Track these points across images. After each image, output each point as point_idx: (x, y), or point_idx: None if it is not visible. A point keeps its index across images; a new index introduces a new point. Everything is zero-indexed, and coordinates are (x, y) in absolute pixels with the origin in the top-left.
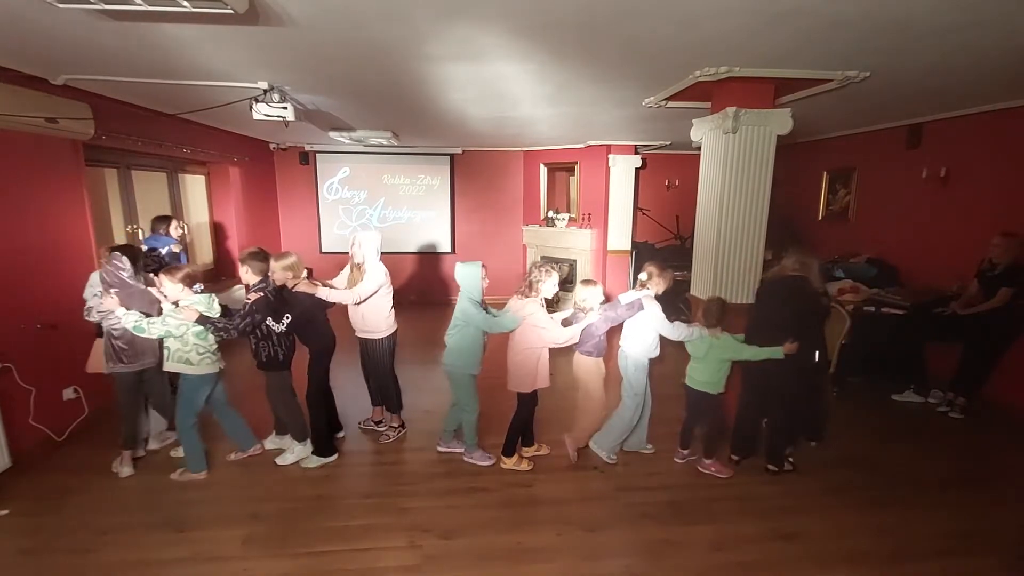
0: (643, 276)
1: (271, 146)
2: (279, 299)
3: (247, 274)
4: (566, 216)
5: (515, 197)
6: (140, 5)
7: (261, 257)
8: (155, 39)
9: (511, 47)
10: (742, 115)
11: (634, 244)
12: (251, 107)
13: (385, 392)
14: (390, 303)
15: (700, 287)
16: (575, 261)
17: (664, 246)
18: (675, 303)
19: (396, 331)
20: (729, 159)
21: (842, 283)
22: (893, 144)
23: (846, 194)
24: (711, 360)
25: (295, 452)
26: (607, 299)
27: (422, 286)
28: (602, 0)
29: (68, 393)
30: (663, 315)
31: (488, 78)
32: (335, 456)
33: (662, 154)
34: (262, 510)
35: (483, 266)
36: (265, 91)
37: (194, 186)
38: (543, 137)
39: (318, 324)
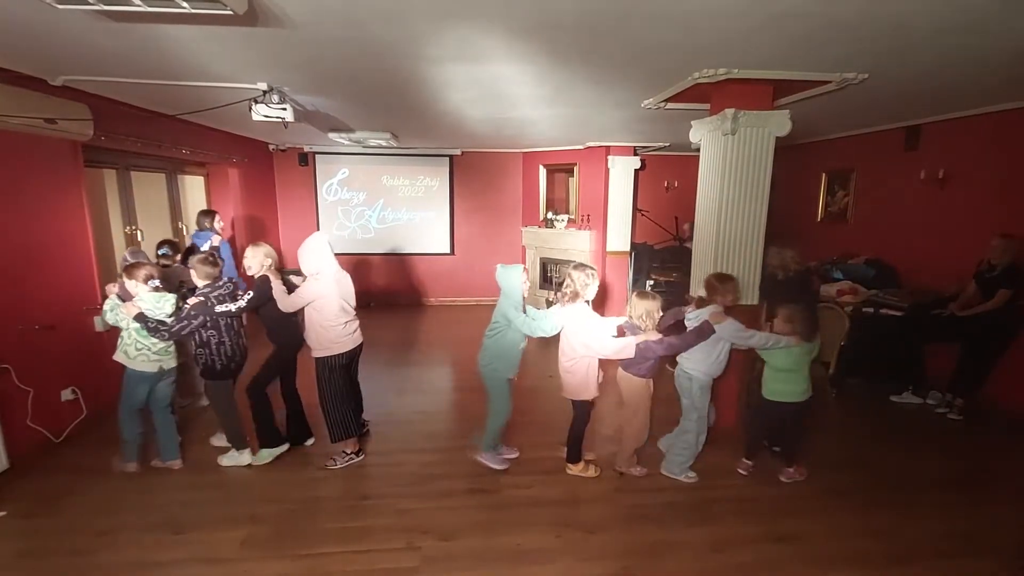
0: (701, 293)
1: (270, 147)
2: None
3: (194, 278)
4: (565, 217)
5: (514, 198)
6: (139, 6)
7: (210, 262)
8: (154, 40)
9: (510, 48)
10: (741, 116)
11: (633, 245)
12: (250, 108)
13: (326, 415)
14: (331, 321)
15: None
16: (574, 262)
17: (663, 247)
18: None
19: (340, 355)
20: (728, 160)
21: (841, 284)
22: (891, 145)
23: (844, 195)
24: (803, 367)
25: (231, 457)
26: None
27: (422, 287)
28: (601, 1)
29: (66, 394)
30: (736, 325)
31: (487, 79)
32: (286, 446)
33: (661, 155)
34: (260, 512)
35: (525, 269)
36: (264, 92)
37: (193, 187)
38: (542, 138)
39: (286, 321)
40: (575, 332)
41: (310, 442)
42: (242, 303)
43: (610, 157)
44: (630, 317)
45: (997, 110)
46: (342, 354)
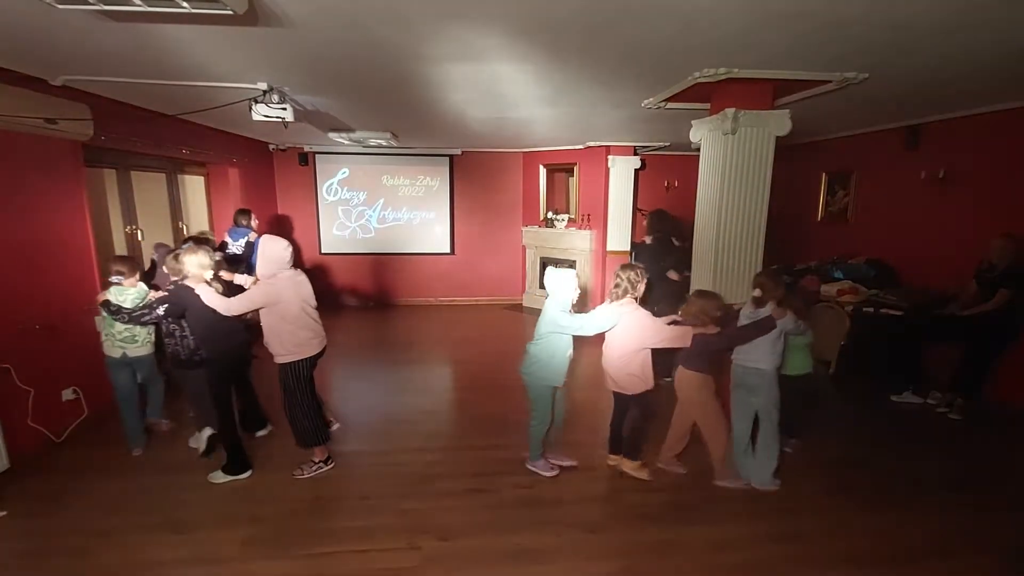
0: (756, 293)
1: (270, 147)
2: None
3: (163, 271)
4: (565, 217)
5: (514, 198)
6: (139, 6)
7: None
8: (154, 40)
9: (510, 48)
10: (741, 116)
11: (633, 245)
12: (250, 108)
13: (293, 423)
14: (293, 324)
15: (700, 287)
16: (574, 262)
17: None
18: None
19: (299, 362)
20: (728, 160)
21: (841, 284)
22: (892, 145)
23: (845, 195)
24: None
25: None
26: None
27: (422, 286)
28: (601, 1)
29: (67, 394)
30: (793, 317)
31: (487, 79)
32: (248, 473)
33: (661, 155)
34: (261, 511)
35: (576, 275)
36: (264, 92)
37: (193, 187)
38: (542, 138)
39: (213, 327)
40: (629, 327)
41: (262, 432)
42: (159, 311)
43: (610, 157)
44: (680, 315)
45: (997, 110)
46: (308, 358)
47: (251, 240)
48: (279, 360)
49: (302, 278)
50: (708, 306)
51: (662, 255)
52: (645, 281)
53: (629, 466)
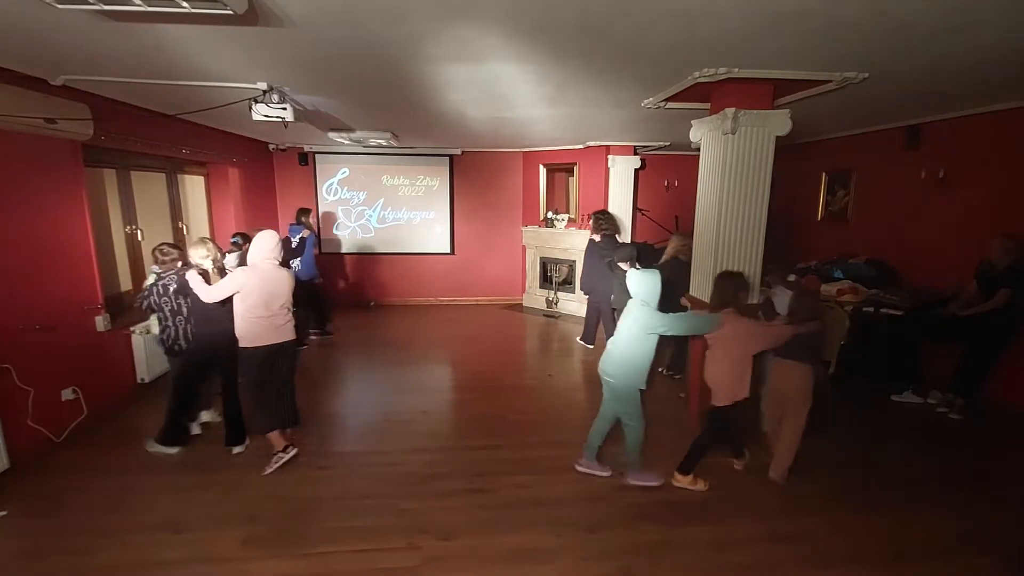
0: (791, 278)
1: (270, 147)
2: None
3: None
4: (565, 217)
5: (514, 198)
6: (139, 6)
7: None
8: (154, 40)
9: (510, 48)
10: (741, 116)
11: (633, 244)
12: (250, 108)
13: (240, 407)
14: (251, 313)
15: (699, 287)
16: (574, 262)
17: (663, 247)
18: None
19: (259, 348)
20: (728, 160)
21: (841, 284)
22: (892, 145)
23: (845, 195)
24: None
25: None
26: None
27: (422, 286)
28: (601, 1)
29: (67, 394)
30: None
31: (487, 79)
32: (175, 450)
33: (661, 155)
34: (261, 511)
35: (658, 274)
36: (264, 92)
37: (193, 187)
38: (542, 138)
39: (208, 318)
40: (734, 336)
41: (239, 449)
42: (152, 298)
43: (610, 156)
44: (790, 309)
45: (997, 110)
46: (261, 347)
47: (303, 236)
48: (240, 343)
49: (280, 275)
50: (813, 301)
51: (610, 250)
52: (747, 290)
53: (681, 481)
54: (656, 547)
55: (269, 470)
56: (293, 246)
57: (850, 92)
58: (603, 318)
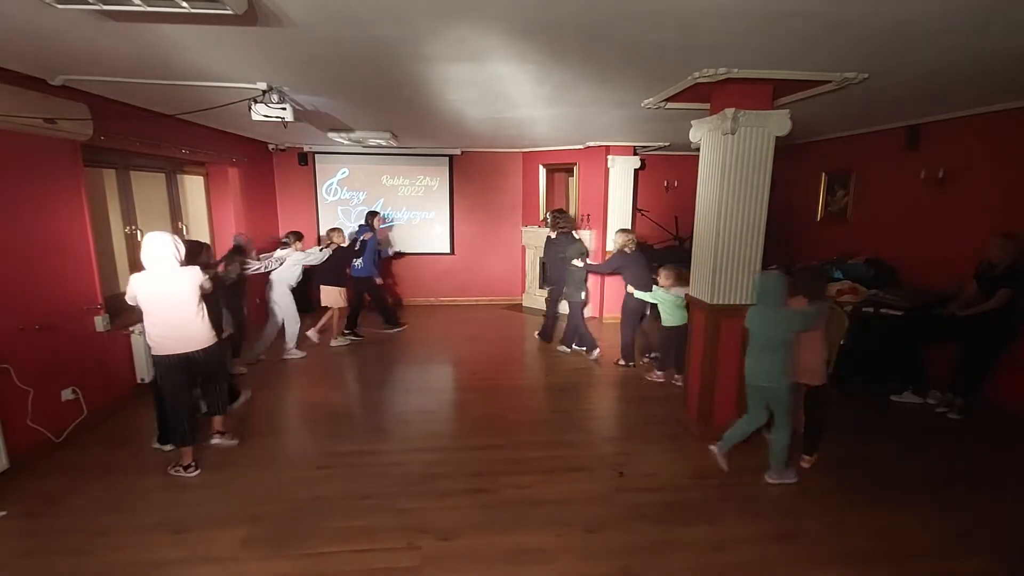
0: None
1: (270, 147)
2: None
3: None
4: None
5: (514, 198)
6: (139, 6)
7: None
8: (154, 40)
9: (510, 48)
10: (741, 116)
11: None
12: (250, 108)
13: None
14: (145, 319)
15: (699, 287)
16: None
17: (663, 247)
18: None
19: (163, 356)
20: (728, 160)
21: (841, 284)
22: (891, 145)
23: (844, 195)
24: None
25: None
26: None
27: (422, 286)
28: (601, 2)
29: (67, 394)
30: None
31: (487, 79)
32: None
33: (661, 155)
34: (261, 511)
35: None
36: (264, 92)
37: (193, 187)
38: (542, 138)
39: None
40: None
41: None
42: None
43: (610, 157)
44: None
45: (997, 110)
46: (165, 356)
47: (365, 239)
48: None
49: (182, 275)
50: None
51: (566, 246)
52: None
53: (808, 461)
54: (656, 547)
55: (172, 474)
56: (356, 248)
57: (850, 92)
58: (572, 311)
